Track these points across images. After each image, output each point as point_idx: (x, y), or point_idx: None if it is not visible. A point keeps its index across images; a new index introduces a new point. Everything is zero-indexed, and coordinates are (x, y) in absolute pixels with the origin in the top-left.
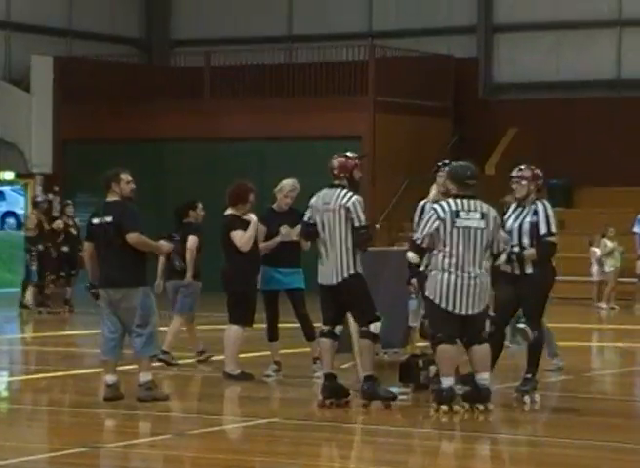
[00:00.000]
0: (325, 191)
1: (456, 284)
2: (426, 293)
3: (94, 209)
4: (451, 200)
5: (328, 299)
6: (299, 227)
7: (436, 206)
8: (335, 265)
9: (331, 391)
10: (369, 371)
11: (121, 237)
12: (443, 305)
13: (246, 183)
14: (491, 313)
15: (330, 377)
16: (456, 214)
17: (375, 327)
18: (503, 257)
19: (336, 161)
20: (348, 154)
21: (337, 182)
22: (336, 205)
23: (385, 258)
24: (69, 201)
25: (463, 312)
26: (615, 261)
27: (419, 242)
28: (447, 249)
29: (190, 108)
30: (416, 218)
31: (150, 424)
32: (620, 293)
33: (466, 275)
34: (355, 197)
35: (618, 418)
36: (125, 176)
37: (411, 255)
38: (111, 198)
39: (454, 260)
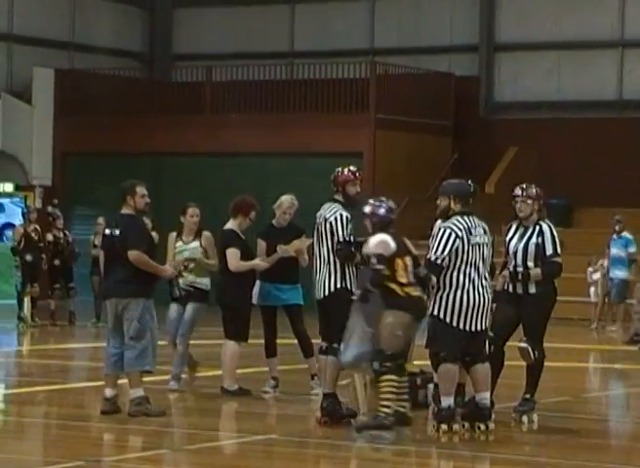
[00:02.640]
0: (323, 205)
1: (468, 301)
2: (434, 312)
3: (104, 220)
4: (459, 218)
5: (321, 315)
6: (296, 243)
7: (450, 225)
8: (322, 279)
9: (329, 410)
10: (331, 389)
11: (125, 250)
12: (454, 323)
13: (250, 199)
14: (490, 333)
15: (329, 396)
16: (469, 232)
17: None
18: (501, 279)
19: (334, 174)
20: (350, 168)
21: (335, 197)
22: (322, 219)
23: None
24: (59, 213)
25: (474, 329)
26: (602, 289)
27: (439, 262)
28: (462, 266)
29: (191, 123)
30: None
31: (147, 439)
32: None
33: (477, 292)
34: (339, 212)
35: (612, 439)
36: (140, 190)
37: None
38: (125, 211)
39: (468, 277)
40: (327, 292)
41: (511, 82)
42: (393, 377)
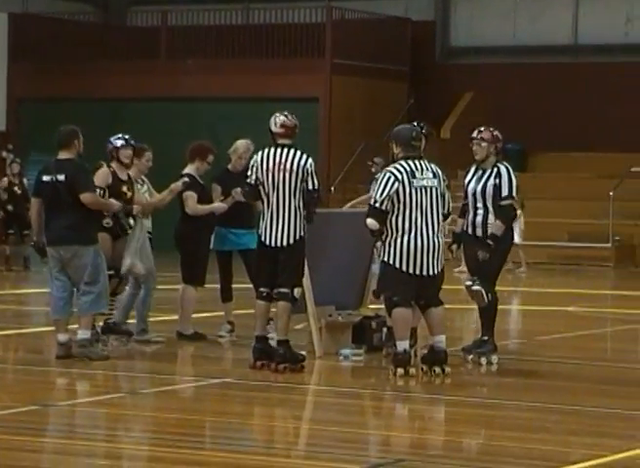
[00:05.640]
0: (273, 150)
1: (416, 245)
2: (384, 257)
3: (43, 166)
4: (402, 162)
5: (270, 261)
6: None
7: (391, 168)
8: (283, 227)
9: (261, 353)
10: (284, 335)
11: (73, 196)
12: (403, 267)
13: (207, 143)
14: (476, 287)
15: (262, 339)
16: (412, 175)
17: (297, 292)
18: (461, 221)
19: (289, 120)
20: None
21: (286, 142)
22: (293, 166)
23: (341, 220)
24: (17, 159)
25: (424, 273)
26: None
27: (377, 205)
28: (406, 210)
29: (147, 68)
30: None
31: (103, 383)
32: (571, 258)
33: (425, 236)
34: (311, 159)
35: (568, 381)
36: (79, 134)
37: (370, 222)
38: (64, 156)
39: (413, 221)
40: (292, 240)
41: (467, 27)
42: None
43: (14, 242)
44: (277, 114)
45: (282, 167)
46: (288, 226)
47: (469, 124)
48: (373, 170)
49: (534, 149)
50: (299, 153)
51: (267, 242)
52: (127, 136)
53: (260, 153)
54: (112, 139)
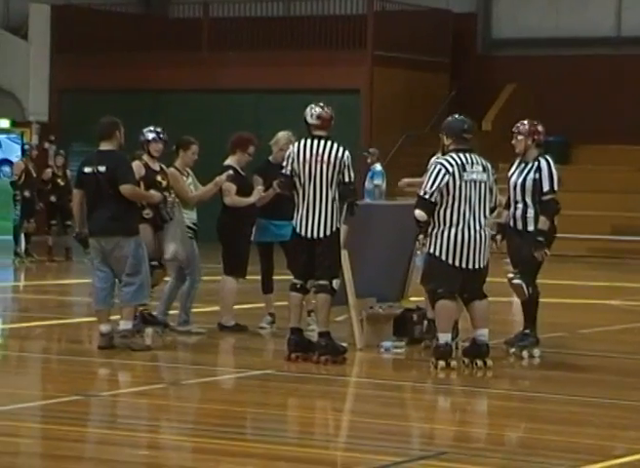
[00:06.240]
0: (310, 142)
1: (462, 238)
2: (430, 249)
3: (84, 157)
4: (453, 154)
5: (304, 253)
6: None
7: (442, 160)
8: (320, 219)
9: (297, 345)
10: (325, 327)
11: (114, 187)
12: (449, 260)
13: (248, 134)
14: (517, 280)
15: (296, 331)
16: (463, 168)
17: (336, 283)
18: (505, 213)
19: (325, 112)
20: (322, 104)
21: (322, 133)
22: (330, 158)
23: (383, 212)
24: (61, 151)
25: (469, 266)
26: None
27: (427, 197)
28: (455, 203)
29: (188, 59)
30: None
31: (145, 373)
32: (613, 251)
33: (472, 229)
34: (347, 152)
35: (611, 375)
36: (121, 127)
37: (419, 213)
38: (105, 147)
39: (461, 215)
40: (329, 231)
41: (509, 19)
42: None
43: (56, 233)
44: (312, 105)
45: (319, 158)
46: (325, 218)
47: (511, 116)
48: (368, 160)
49: (576, 142)
50: (335, 145)
51: (303, 233)
52: (159, 130)
53: (296, 144)
54: (145, 131)
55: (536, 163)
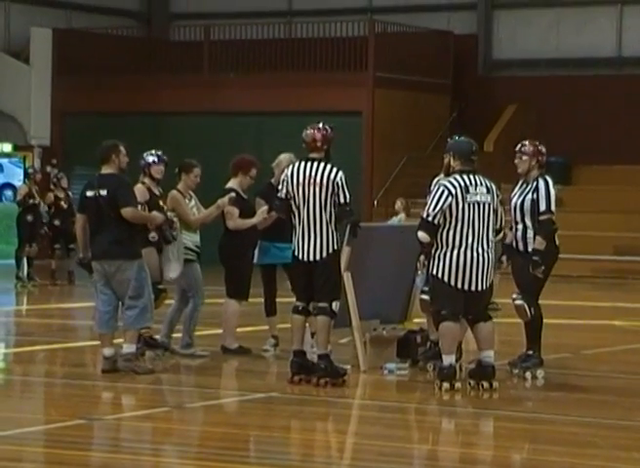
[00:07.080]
0: (303, 164)
1: (465, 260)
2: (433, 271)
3: (87, 181)
4: (457, 176)
5: (304, 275)
6: None
7: (445, 182)
8: (317, 241)
9: (300, 367)
10: (324, 349)
11: (115, 210)
12: (452, 282)
13: (250, 156)
14: (518, 301)
15: (299, 354)
16: (466, 190)
17: (336, 305)
18: (510, 234)
19: (318, 133)
20: (321, 125)
21: (316, 155)
22: (323, 179)
23: (385, 233)
24: (62, 174)
25: (473, 288)
26: None
27: (430, 219)
28: (458, 225)
29: (189, 82)
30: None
31: (148, 397)
32: (616, 272)
33: (475, 251)
34: (341, 172)
35: (615, 396)
36: (122, 148)
37: (422, 235)
38: (106, 171)
39: (464, 237)
40: (325, 254)
41: (510, 40)
42: None
43: (59, 256)
44: (308, 127)
45: (312, 180)
46: (321, 240)
47: (512, 137)
48: (396, 207)
49: (578, 162)
50: (328, 166)
51: (300, 256)
52: (159, 153)
53: (290, 167)
54: (145, 155)
55: (534, 183)
